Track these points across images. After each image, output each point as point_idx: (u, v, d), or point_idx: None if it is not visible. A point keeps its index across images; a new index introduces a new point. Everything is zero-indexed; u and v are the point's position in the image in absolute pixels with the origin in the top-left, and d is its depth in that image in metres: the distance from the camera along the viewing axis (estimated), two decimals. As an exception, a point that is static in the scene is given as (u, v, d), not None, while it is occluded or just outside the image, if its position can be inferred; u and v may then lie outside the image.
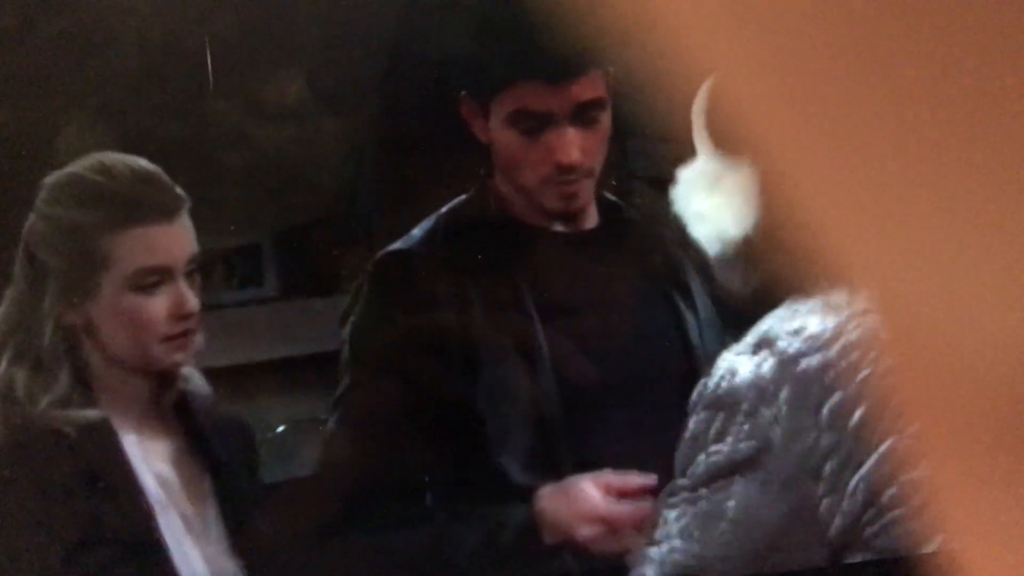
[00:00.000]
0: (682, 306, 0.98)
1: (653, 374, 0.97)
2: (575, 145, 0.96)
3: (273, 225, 0.98)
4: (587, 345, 0.98)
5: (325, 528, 0.96)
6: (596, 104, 0.96)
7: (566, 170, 0.97)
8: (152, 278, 0.93)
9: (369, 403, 0.98)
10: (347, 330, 0.98)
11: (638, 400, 0.96)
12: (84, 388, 0.93)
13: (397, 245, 0.99)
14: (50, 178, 0.92)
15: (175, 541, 0.94)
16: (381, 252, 0.98)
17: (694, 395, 0.85)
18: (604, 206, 1.02)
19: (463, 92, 0.97)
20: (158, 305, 0.93)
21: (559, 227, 1.01)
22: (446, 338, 0.97)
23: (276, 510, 0.99)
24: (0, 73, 0.92)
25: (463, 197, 1.01)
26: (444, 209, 1.00)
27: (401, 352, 0.98)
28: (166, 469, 0.96)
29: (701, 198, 0.88)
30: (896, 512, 0.78)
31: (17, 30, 0.90)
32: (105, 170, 0.92)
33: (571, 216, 1.00)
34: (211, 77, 0.93)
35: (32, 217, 0.92)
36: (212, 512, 0.97)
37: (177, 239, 0.93)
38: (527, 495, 0.93)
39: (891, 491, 0.79)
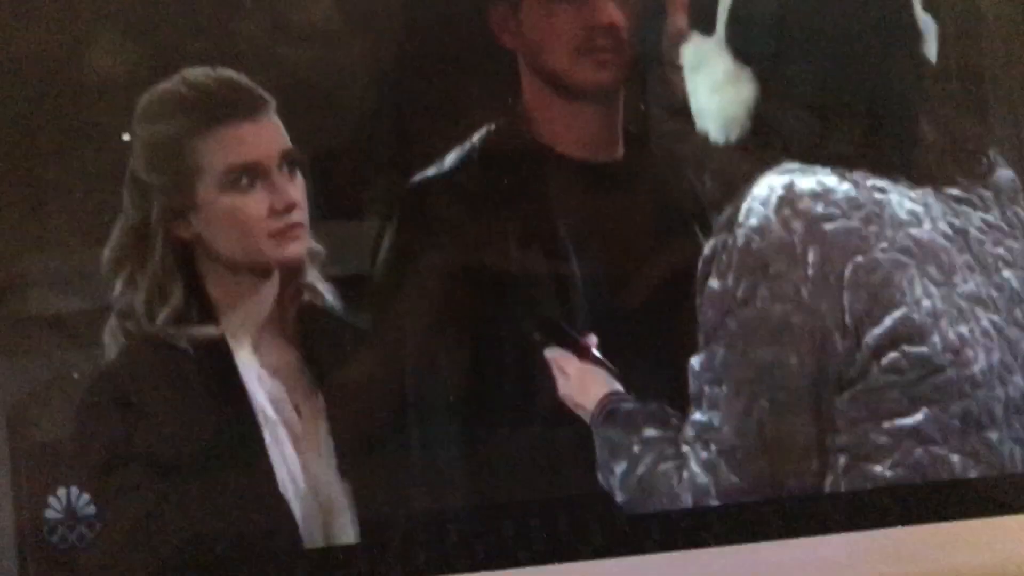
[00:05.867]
0: (701, 236, 1.01)
1: (676, 302, 1.00)
2: (607, 7, 1.00)
3: (299, 147, 0.98)
4: (615, 274, 1.02)
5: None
6: None
7: (600, 32, 1.00)
8: (244, 176, 0.97)
9: (401, 329, 0.99)
10: (380, 257, 0.99)
11: (664, 327, 1.00)
12: (201, 303, 0.97)
13: (431, 172, 1.01)
14: (139, 103, 0.97)
15: (281, 458, 0.98)
16: (414, 179, 1.00)
17: (709, 251, 0.91)
18: (628, 138, 1.05)
19: (493, 2, 1.02)
20: (256, 201, 0.96)
21: (587, 155, 1.02)
22: (479, 266, 0.98)
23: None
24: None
25: (493, 125, 1.02)
26: (475, 137, 1.02)
27: (432, 279, 0.99)
28: (279, 385, 0.99)
29: (704, 85, 0.91)
30: (893, 378, 0.86)
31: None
32: (185, 81, 0.97)
33: (605, 91, 1.03)
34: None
35: (132, 144, 0.97)
36: (323, 430, 1.00)
37: (263, 135, 0.97)
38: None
39: (894, 355, 0.86)
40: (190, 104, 0.96)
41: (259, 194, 0.96)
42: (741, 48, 0.93)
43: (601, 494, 0.96)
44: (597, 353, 0.99)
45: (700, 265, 0.92)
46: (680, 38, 0.97)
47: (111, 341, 0.96)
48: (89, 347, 0.96)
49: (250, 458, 0.95)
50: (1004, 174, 0.95)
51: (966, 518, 0.88)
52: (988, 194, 0.93)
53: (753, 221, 0.88)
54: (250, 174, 0.95)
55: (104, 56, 0.97)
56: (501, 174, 1.01)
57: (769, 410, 0.88)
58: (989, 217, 0.92)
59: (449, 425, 0.99)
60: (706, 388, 0.90)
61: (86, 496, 0.92)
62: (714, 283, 0.90)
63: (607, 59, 1.01)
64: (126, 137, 0.96)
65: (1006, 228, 0.93)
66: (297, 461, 0.97)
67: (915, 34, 0.92)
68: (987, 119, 0.99)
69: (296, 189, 0.97)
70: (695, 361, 0.92)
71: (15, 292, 0.96)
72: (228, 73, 0.97)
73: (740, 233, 0.89)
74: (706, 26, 0.94)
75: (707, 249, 0.92)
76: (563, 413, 0.98)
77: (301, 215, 0.97)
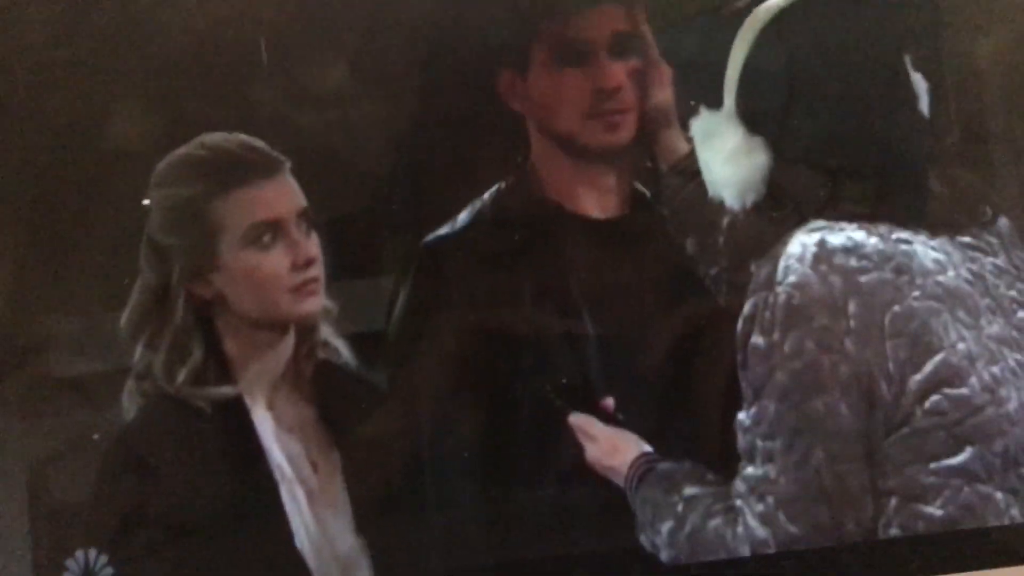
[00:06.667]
0: (713, 292, 1.04)
1: (689, 357, 1.02)
2: (615, 71, 0.99)
3: (315, 208, 1.01)
4: (627, 330, 1.03)
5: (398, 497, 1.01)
6: (632, 36, 1.03)
7: (608, 95, 1.01)
8: (265, 233, 0.99)
9: (416, 387, 1.00)
10: (395, 314, 1.00)
11: (679, 384, 1.02)
12: (219, 362, 0.99)
13: (443, 231, 1.02)
14: (156, 169, 0.99)
15: (298, 515, 0.99)
16: (428, 237, 1.02)
17: (749, 310, 0.94)
18: (635, 195, 1.08)
19: (500, 68, 1.04)
20: (277, 257, 0.99)
21: (595, 212, 1.04)
22: (493, 323, 1.00)
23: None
24: (59, 60, 0.95)
25: (503, 183, 1.03)
26: (486, 195, 1.03)
27: (448, 337, 1.00)
28: (295, 442, 1.00)
29: (718, 156, 0.94)
30: (936, 420, 0.90)
31: (75, 19, 0.94)
32: (204, 145, 0.99)
33: (614, 152, 1.05)
34: (265, 63, 0.97)
35: (150, 207, 0.98)
36: (339, 486, 1.01)
37: (282, 194, 1.00)
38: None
39: (936, 398, 0.89)
40: (211, 166, 0.98)
41: (279, 250, 0.98)
42: (752, 119, 0.97)
43: (621, 550, 0.98)
44: (619, 416, 1.01)
45: (740, 324, 0.95)
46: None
47: (129, 402, 0.97)
48: (108, 408, 0.96)
49: (267, 515, 0.95)
50: (1003, 221, 1.00)
51: (1000, 566, 0.90)
52: (994, 240, 0.98)
53: (792, 278, 0.92)
54: (271, 231, 0.98)
55: (126, 123, 0.98)
56: (512, 232, 1.03)
57: (824, 459, 0.90)
58: (998, 261, 0.97)
59: (465, 482, 0.99)
60: (759, 442, 0.93)
61: (104, 557, 0.92)
62: (759, 340, 0.93)
63: (615, 121, 1.03)
64: (146, 202, 0.98)
65: (1014, 271, 0.98)
66: (313, 518, 0.98)
67: (911, 93, 0.97)
68: (986, 170, 1.02)
69: (313, 245, 0.99)
70: (744, 416, 0.94)
71: (36, 354, 0.96)
72: (244, 137, 0.99)
73: (781, 290, 0.92)
74: (714, 100, 0.98)
75: (747, 308, 0.95)
76: (580, 470, 1.00)
77: (319, 270, 0.99)
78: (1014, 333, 0.94)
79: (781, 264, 0.92)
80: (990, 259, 0.96)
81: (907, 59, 0.97)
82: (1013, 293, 0.96)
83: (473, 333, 1.00)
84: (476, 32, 1.03)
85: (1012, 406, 0.91)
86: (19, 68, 0.97)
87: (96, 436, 0.94)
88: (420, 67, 1.03)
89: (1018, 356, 0.94)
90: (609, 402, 1.01)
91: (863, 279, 0.91)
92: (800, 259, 0.92)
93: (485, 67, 1.03)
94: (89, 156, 0.97)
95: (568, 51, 1.02)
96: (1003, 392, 0.91)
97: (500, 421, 1.00)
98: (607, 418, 1.00)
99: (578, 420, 1.00)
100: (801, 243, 0.93)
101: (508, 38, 1.02)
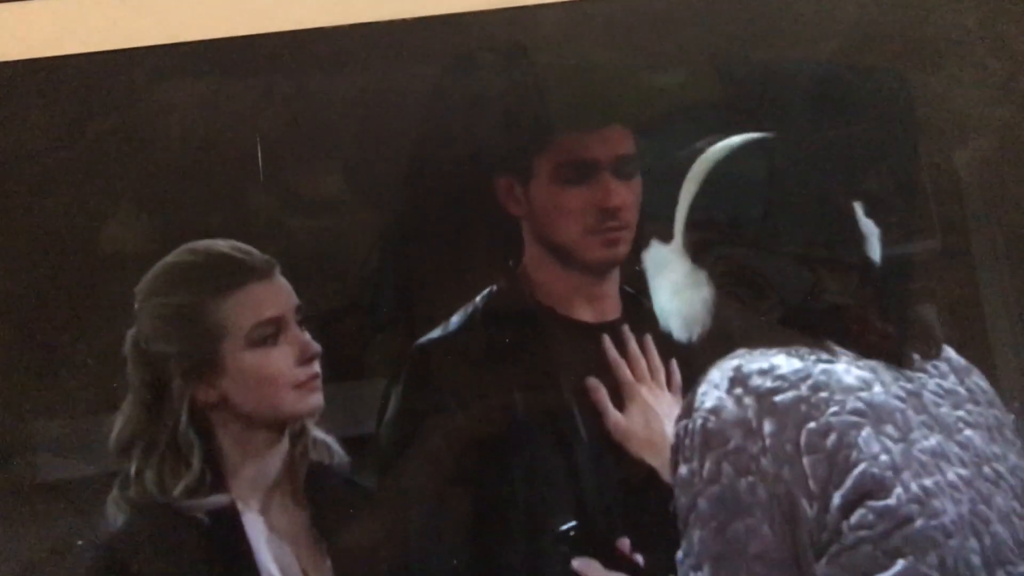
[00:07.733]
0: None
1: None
2: (618, 191, 1.01)
3: (305, 310, 1.03)
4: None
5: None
6: (631, 159, 1.06)
7: (611, 214, 1.05)
8: (269, 330, 1.01)
9: (406, 490, 0.99)
10: (386, 416, 1.00)
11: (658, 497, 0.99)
12: (215, 469, 0.99)
13: (436, 333, 1.03)
14: (143, 279, 1.00)
15: None
16: (420, 340, 1.03)
17: (674, 439, 0.94)
18: (624, 297, 1.09)
19: (499, 174, 1.06)
20: (282, 354, 1.00)
21: (587, 317, 1.04)
22: (486, 426, 0.99)
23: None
24: (55, 166, 0.99)
25: (494, 287, 1.04)
26: (478, 299, 1.04)
27: (440, 439, 1.00)
28: (286, 549, 1.00)
29: (665, 288, 0.98)
30: (863, 534, 0.87)
31: (70, 127, 0.97)
32: (194, 251, 1.02)
33: (611, 266, 1.08)
34: (261, 172, 1.00)
35: (135, 321, 1.00)
36: None
37: (279, 292, 1.02)
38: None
39: (861, 511, 0.87)
40: (206, 271, 1.00)
41: (283, 347, 1.00)
42: (698, 252, 0.98)
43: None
44: (638, 558, 1.00)
45: (670, 454, 0.94)
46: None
47: (115, 510, 0.97)
48: (92, 514, 0.97)
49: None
50: (952, 355, 0.99)
51: None
52: (943, 365, 0.97)
53: (708, 403, 0.92)
54: (274, 328, 1.00)
55: (119, 230, 1.01)
56: (504, 335, 1.04)
57: None
58: (945, 383, 0.95)
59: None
60: (690, 574, 0.90)
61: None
62: (683, 469, 0.92)
63: (615, 237, 1.05)
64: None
65: (964, 393, 0.96)
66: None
67: (858, 236, 0.98)
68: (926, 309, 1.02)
69: (311, 341, 1.01)
70: (679, 552, 0.92)
71: (22, 457, 0.97)
72: (233, 242, 1.01)
73: (697, 416, 0.92)
74: (664, 234, 1.00)
75: (672, 438, 0.94)
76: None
77: (320, 366, 1.01)
78: (956, 449, 0.91)
79: (699, 391, 0.92)
80: (935, 380, 0.95)
81: (857, 206, 0.99)
82: (960, 413, 0.94)
83: (465, 436, 1.00)
84: (476, 139, 1.05)
85: (947, 519, 0.87)
86: (18, 172, 1.01)
87: (80, 542, 0.95)
88: (415, 172, 1.05)
89: (960, 471, 0.90)
90: (625, 543, 1.00)
91: (777, 399, 0.90)
92: (716, 385, 0.92)
93: (482, 172, 1.05)
94: (83, 260, 1.00)
95: (574, 168, 1.05)
96: (936, 504, 0.87)
97: (489, 528, 0.99)
98: (623, 560, 0.99)
99: (580, 564, 0.99)
100: (719, 369, 0.93)
101: (511, 147, 1.04)
